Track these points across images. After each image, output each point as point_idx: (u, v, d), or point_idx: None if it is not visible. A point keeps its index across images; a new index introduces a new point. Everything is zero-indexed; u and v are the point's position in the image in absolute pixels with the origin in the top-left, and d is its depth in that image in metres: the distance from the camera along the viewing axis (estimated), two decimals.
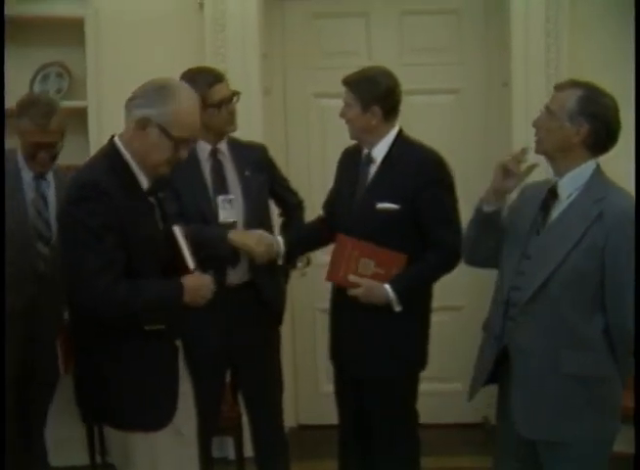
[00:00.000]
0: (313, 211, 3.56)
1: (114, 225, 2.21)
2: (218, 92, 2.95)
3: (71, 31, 3.79)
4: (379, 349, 2.87)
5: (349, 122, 2.94)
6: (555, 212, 2.40)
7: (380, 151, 2.91)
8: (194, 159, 2.98)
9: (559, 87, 2.44)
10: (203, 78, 2.92)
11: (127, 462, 2.37)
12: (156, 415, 2.34)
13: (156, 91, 2.27)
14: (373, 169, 2.91)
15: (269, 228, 3.17)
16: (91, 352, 2.35)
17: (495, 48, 4.07)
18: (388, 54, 4.09)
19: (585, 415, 2.34)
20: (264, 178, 3.15)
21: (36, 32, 3.84)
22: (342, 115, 2.96)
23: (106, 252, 2.19)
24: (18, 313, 2.94)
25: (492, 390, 4.09)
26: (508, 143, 3.85)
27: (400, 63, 3.89)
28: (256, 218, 3.06)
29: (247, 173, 3.07)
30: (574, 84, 2.40)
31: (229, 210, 2.96)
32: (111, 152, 2.34)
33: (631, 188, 2.55)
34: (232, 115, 3.03)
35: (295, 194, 3.37)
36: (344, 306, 2.94)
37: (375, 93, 2.87)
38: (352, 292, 2.85)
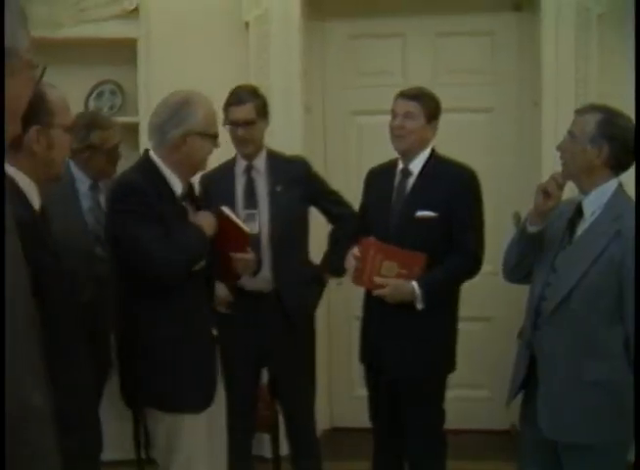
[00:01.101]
0: None
1: (154, 217, 2.47)
2: None
3: (124, 51, 3.99)
4: (413, 350, 3.02)
5: (408, 133, 3.05)
6: (580, 229, 2.54)
7: (416, 165, 3.10)
8: (231, 174, 3.26)
9: (579, 112, 2.58)
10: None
11: (169, 448, 2.54)
12: (199, 396, 2.52)
13: (181, 107, 2.54)
14: (411, 182, 3.09)
15: (302, 242, 3.33)
16: (138, 337, 2.54)
17: (527, 69, 4.17)
18: (423, 74, 4.22)
19: (605, 419, 2.45)
20: (299, 193, 3.26)
21: (92, 52, 4.03)
22: (401, 126, 3.06)
23: (155, 227, 2.46)
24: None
25: (519, 398, 4.23)
26: (538, 160, 3.96)
27: (435, 82, 3.97)
28: (283, 232, 3.20)
29: (278, 189, 3.23)
30: (593, 108, 2.55)
31: (251, 223, 3.09)
32: (145, 163, 2.62)
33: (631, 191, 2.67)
34: None
35: (342, 205, 3.44)
36: (377, 310, 3.10)
37: (437, 107, 3.09)
38: (378, 292, 3.00)
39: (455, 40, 4.27)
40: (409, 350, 3.03)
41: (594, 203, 2.52)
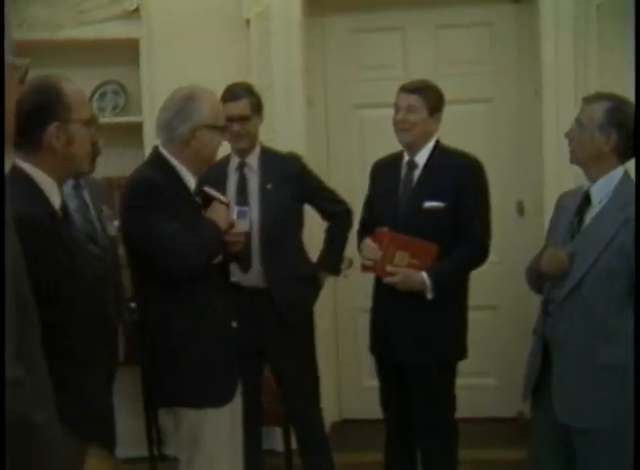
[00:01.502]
0: (353, 211, 3.71)
1: (173, 212, 2.49)
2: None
3: (126, 52, 4.01)
4: (423, 339, 3.07)
5: (411, 127, 3.09)
6: (588, 217, 2.57)
7: (422, 157, 3.13)
8: (224, 171, 3.30)
9: (587, 100, 2.62)
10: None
11: (192, 444, 2.56)
12: (221, 390, 2.55)
13: (186, 102, 2.57)
14: (417, 173, 3.13)
15: (294, 239, 3.36)
16: (154, 334, 2.57)
17: (526, 59, 4.20)
18: (424, 66, 4.25)
19: (618, 403, 2.47)
20: (292, 190, 3.29)
21: (94, 53, 4.04)
22: (404, 120, 3.10)
23: (174, 222, 2.47)
24: None
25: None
26: (539, 149, 4.01)
27: (436, 74, 4.01)
28: (274, 230, 3.23)
29: (268, 186, 3.26)
30: (601, 96, 2.59)
31: (242, 220, 3.07)
32: (156, 159, 2.62)
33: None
34: None
35: (336, 202, 3.46)
36: (387, 300, 3.15)
37: (440, 100, 3.12)
38: (389, 280, 3.05)
39: (455, 32, 4.30)
40: (419, 338, 3.08)
41: (602, 190, 2.56)
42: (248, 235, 3.04)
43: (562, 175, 3.88)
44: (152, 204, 2.48)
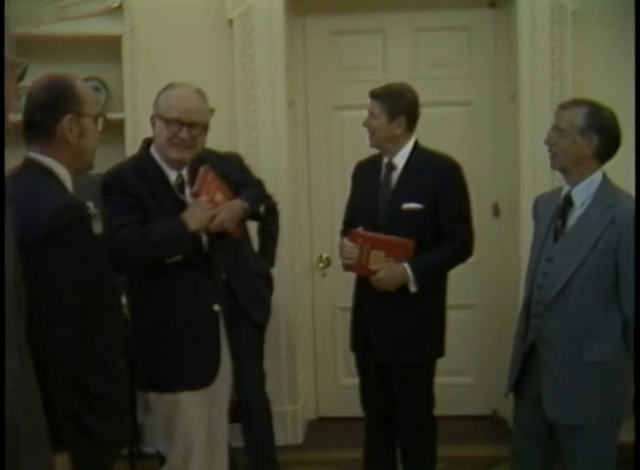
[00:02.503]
0: (332, 211, 3.75)
1: (132, 204, 2.59)
2: None
3: (109, 48, 4.00)
4: (406, 337, 3.12)
5: (374, 131, 3.17)
6: (571, 219, 2.64)
7: (400, 158, 3.17)
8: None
9: (564, 106, 2.69)
10: None
11: (167, 435, 2.63)
12: (195, 375, 2.61)
13: (159, 93, 2.72)
14: (395, 175, 3.17)
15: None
16: (135, 324, 2.67)
17: (504, 63, 4.27)
18: (403, 68, 4.30)
19: (604, 400, 2.55)
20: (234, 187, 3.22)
21: (76, 49, 4.02)
22: (367, 124, 3.18)
23: (131, 215, 2.57)
24: None
25: (501, 384, 4.33)
26: (516, 152, 4.07)
27: (414, 76, 4.07)
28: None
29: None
30: (578, 102, 2.67)
31: None
32: (140, 152, 2.76)
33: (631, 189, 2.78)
34: None
35: (267, 198, 3.43)
36: (368, 298, 3.19)
37: (401, 105, 3.14)
38: (373, 278, 3.07)
39: (433, 35, 4.34)
40: (399, 337, 3.12)
41: (584, 193, 2.63)
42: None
43: (538, 178, 3.96)
44: (110, 197, 2.60)
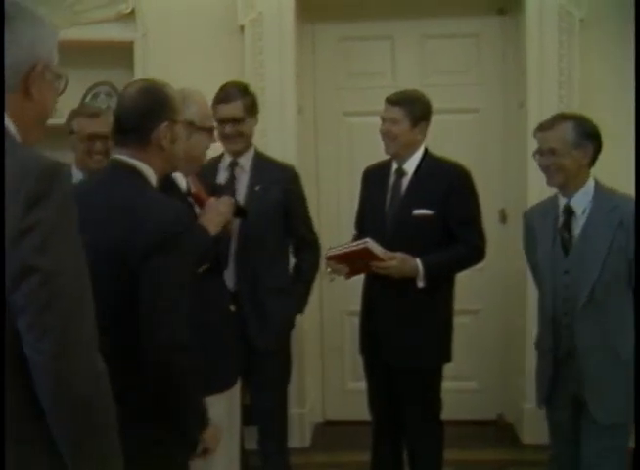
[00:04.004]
0: (340, 217, 3.74)
1: None
2: None
3: (121, 54, 4.02)
4: (414, 342, 3.14)
5: (395, 138, 3.16)
6: (577, 228, 2.70)
7: (411, 165, 3.20)
8: (215, 169, 3.31)
9: (547, 127, 2.74)
10: None
11: None
12: (221, 376, 2.57)
13: None
14: (406, 181, 3.19)
15: (275, 243, 3.28)
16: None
17: (512, 70, 4.29)
18: (411, 75, 4.33)
19: (635, 396, 2.59)
20: (277, 197, 3.25)
21: (88, 54, 4.03)
22: (387, 131, 3.17)
23: None
24: None
25: (506, 389, 4.37)
26: (524, 159, 4.04)
27: (422, 83, 4.06)
28: (254, 231, 3.17)
29: (257, 188, 3.27)
30: (560, 118, 2.73)
31: None
32: None
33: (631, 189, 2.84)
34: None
35: (312, 232, 3.44)
36: (377, 304, 3.22)
37: (422, 111, 3.17)
38: (385, 265, 3.04)
39: (442, 43, 4.37)
40: (408, 342, 3.15)
41: (583, 201, 2.70)
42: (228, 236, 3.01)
43: (545, 184, 3.94)
44: None
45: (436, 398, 3.28)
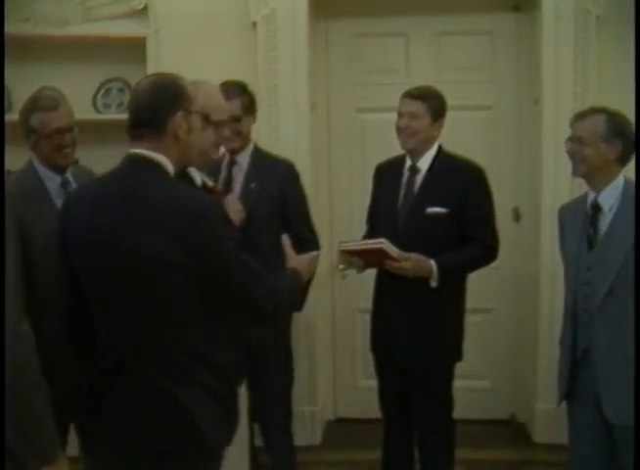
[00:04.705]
0: (353, 214, 3.73)
1: None
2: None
3: (133, 49, 4.02)
4: (426, 341, 3.12)
5: (414, 133, 3.11)
6: (603, 225, 2.68)
7: (425, 162, 3.17)
8: (217, 167, 3.27)
9: (581, 116, 2.73)
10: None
11: None
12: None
13: None
14: (419, 178, 3.16)
15: (270, 241, 3.07)
16: None
17: (526, 67, 4.26)
18: (425, 72, 4.30)
19: (635, 396, 2.54)
20: (273, 193, 3.23)
21: (101, 50, 4.07)
22: (406, 125, 3.11)
23: None
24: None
25: (519, 389, 4.35)
26: (538, 157, 4.07)
27: (436, 80, 4.01)
28: (251, 229, 3.11)
29: (252, 186, 3.26)
30: (595, 111, 2.71)
31: None
32: None
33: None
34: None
35: (312, 232, 3.37)
36: (389, 302, 3.20)
37: (442, 106, 3.14)
38: (399, 265, 3.01)
39: (456, 39, 4.35)
40: (420, 340, 3.13)
41: (610, 197, 2.67)
42: None
43: (559, 183, 3.95)
44: None
45: (448, 396, 3.26)
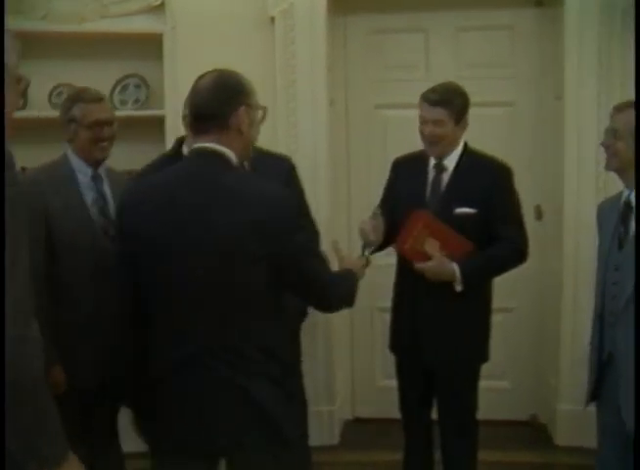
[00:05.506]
0: (371, 210, 3.66)
1: None
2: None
3: (150, 46, 4.01)
4: (455, 341, 3.06)
5: (440, 139, 3.03)
6: (632, 224, 2.60)
7: (451, 160, 3.09)
8: None
9: (619, 108, 2.65)
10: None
11: None
12: None
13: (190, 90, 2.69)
14: (446, 177, 3.09)
15: None
16: None
17: (548, 62, 4.20)
18: (445, 68, 4.24)
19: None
20: None
21: (118, 47, 4.05)
22: (432, 134, 3.02)
23: None
24: (87, 307, 2.89)
25: (540, 389, 4.29)
26: (560, 154, 4.01)
27: (457, 76, 3.91)
28: None
29: None
30: (632, 104, 2.62)
31: None
32: (173, 148, 2.81)
33: None
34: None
35: (311, 222, 3.31)
36: (411, 300, 3.12)
37: (464, 105, 3.05)
38: (420, 266, 2.96)
39: (476, 35, 4.29)
40: (447, 339, 3.07)
41: None
42: None
43: (582, 180, 3.90)
44: None
45: (474, 397, 3.21)
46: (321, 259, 2.21)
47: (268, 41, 4.02)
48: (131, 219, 2.11)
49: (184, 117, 2.79)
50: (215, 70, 2.18)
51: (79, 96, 3.03)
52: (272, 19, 4.01)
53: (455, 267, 2.97)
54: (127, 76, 4.16)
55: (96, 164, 3.02)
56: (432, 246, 2.98)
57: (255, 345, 2.04)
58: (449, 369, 3.11)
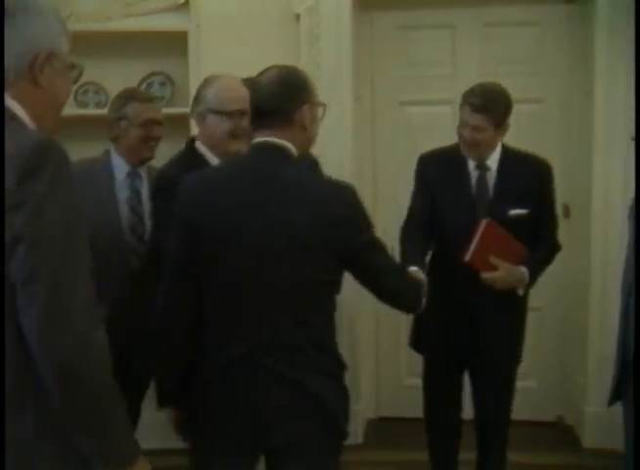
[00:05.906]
0: (398, 207, 3.67)
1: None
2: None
3: (175, 44, 4.00)
4: (503, 340, 3.06)
5: (479, 144, 2.98)
6: None
7: (494, 160, 3.04)
8: None
9: None
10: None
11: None
12: None
13: (199, 88, 2.74)
14: (491, 177, 3.02)
15: None
16: None
17: (577, 59, 4.14)
18: (473, 64, 4.21)
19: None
20: None
21: (143, 45, 4.05)
22: (471, 139, 2.96)
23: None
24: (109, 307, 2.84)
25: (567, 390, 4.24)
26: (589, 151, 3.96)
27: (484, 73, 3.98)
28: None
29: None
30: None
31: None
32: (186, 149, 2.77)
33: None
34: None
35: None
36: (475, 304, 3.04)
37: (506, 110, 2.98)
38: (489, 276, 2.86)
39: (504, 31, 4.23)
40: (494, 341, 3.05)
41: None
42: None
43: (611, 178, 3.85)
44: (159, 203, 2.65)
45: (511, 399, 3.21)
46: (389, 256, 2.21)
47: (293, 38, 3.99)
48: (190, 215, 2.07)
49: (196, 114, 2.76)
50: (276, 66, 2.18)
51: (132, 95, 3.12)
52: (297, 16, 3.99)
53: (524, 272, 2.92)
54: (152, 74, 4.17)
55: (141, 163, 3.08)
56: (496, 254, 2.90)
57: (310, 339, 2.05)
58: (493, 372, 3.11)
